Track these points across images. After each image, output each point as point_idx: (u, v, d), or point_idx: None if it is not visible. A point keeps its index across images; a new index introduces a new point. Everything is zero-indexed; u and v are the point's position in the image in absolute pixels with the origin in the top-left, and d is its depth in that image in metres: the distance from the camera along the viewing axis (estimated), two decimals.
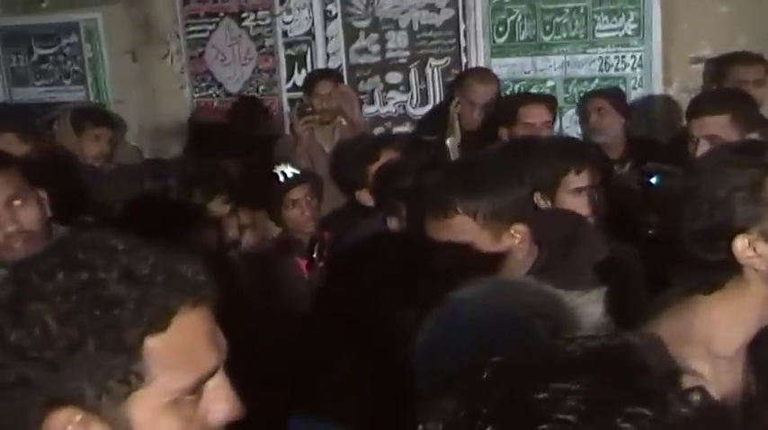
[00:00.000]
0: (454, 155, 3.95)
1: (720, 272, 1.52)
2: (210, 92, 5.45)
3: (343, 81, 4.61)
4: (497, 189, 1.89)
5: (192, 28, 5.41)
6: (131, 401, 0.89)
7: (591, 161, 2.63)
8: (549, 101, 4.00)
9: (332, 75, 4.49)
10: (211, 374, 0.93)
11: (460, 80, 4.42)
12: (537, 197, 2.54)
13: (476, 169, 2.00)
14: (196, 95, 5.48)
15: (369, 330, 1.94)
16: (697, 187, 1.51)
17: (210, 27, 5.37)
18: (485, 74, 4.39)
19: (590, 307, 1.80)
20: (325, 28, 5.07)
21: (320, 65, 5.05)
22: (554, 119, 4.01)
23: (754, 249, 1.46)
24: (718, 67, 4.05)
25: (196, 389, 0.92)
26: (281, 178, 3.10)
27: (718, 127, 2.71)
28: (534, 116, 3.73)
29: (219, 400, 0.94)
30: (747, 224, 1.45)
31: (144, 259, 0.89)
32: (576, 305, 1.35)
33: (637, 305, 1.87)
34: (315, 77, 4.42)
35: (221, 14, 5.32)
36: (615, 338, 0.73)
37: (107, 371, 0.87)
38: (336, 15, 5.02)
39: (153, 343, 0.88)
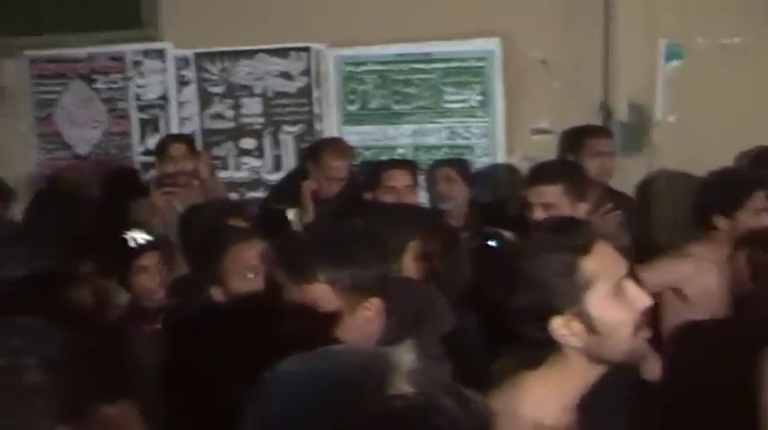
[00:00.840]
0: (297, 226, 3.99)
1: (543, 348, 1.63)
2: (58, 154, 5.30)
3: (194, 145, 4.60)
4: (361, 261, 1.87)
5: (40, 88, 5.28)
6: None
7: (437, 228, 2.75)
8: (410, 165, 4.13)
9: (184, 138, 4.50)
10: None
11: (314, 154, 4.44)
12: None
13: (340, 238, 1.98)
14: (42, 157, 5.32)
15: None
16: (519, 268, 1.63)
17: (59, 88, 5.25)
18: (339, 148, 4.44)
19: None
20: (179, 92, 5.07)
21: (174, 129, 5.03)
22: (416, 184, 4.14)
23: (570, 328, 1.58)
24: (569, 138, 4.32)
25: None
26: (132, 244, 3.06)
27: (552, 196, 2.92)
28: (396, 180, 3.85)
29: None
30: (563, 305, 1.57)
31: None
32: None
33: (480, 374, 1.94)
34: (167, 141, 4.42)
35: (71, 75, 5.22)
36: (422, 398, 0.78)
37: None
38: (191, 80, 5.04)
39: None
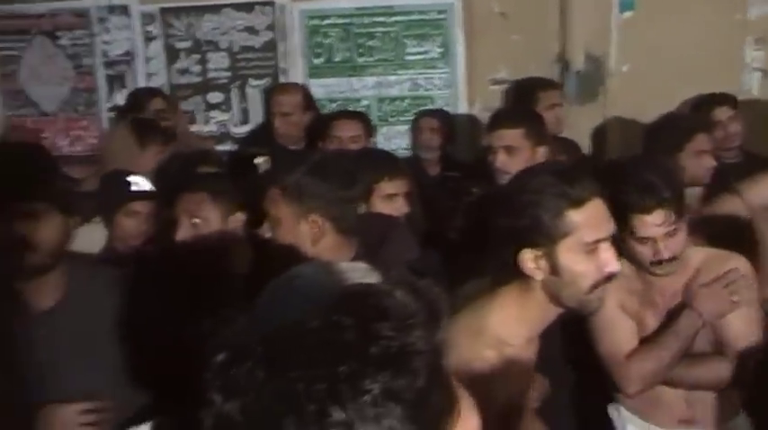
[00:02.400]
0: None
1: (508, 272, 1.80)
2: (24, 111, 5.33)
3: (171, 100, 4.66)
4: (315, 173, 2.14)
5: (3, 44, 5.28)
6: None
7: (400, 170, 2.91)
8: (360, 117, 4.21)
9: (160, 92, 4.58)
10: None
11: (267, 97, 4.68)
12: None
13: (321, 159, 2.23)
14: (9, 114, 5.35)
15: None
16: (517, 196, 1.78)
17: (22, 45, 5.26)
18: (284, 86, 4.67)
19: None
20: (146, 48, 5.12)
21: (141, 84, 5.08)
22: (369, 135, 4.27)
23: (537, 263, 1.75)
24: (522, 90, 4.47)
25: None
26: (133, 187, 3.10)
27: (514, 139, 3.07)
28: (342, 130, 3.93)
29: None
30: (539, 241, 1.73)
31: None
32: None
33: None
34: (145, 94, 4.47)
35: (34, 32, 5.23)
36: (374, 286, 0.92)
37: None
38: (157, 36, 5.09)
39: None
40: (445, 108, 4.83)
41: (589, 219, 1.72)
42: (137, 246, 3.13)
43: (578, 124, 4.57)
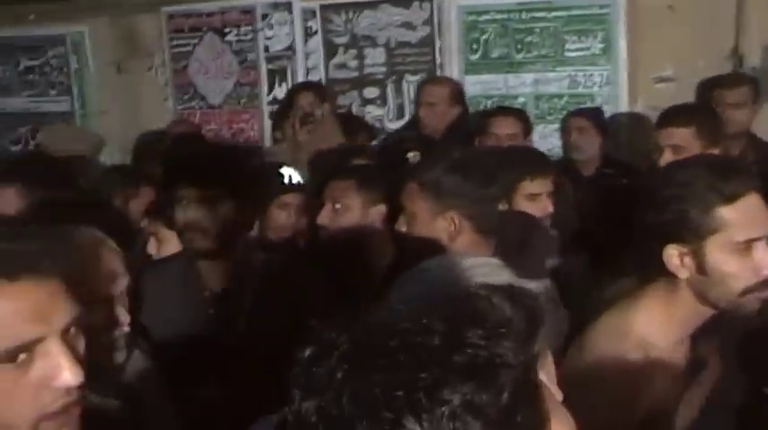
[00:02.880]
0: None
1: (653, 269, 1.68)
2: (193, 104, 5.59)
3: (323, 92, 4.70)
4: (455, 170, 2.07)
5: (176, 41, 5.56)
6: None
7: (545, 169, 2.80)
8: (517, 114, 4.12)
9: (312, 86, 4.67)
10: (31, 344, 0.99)
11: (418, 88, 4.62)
12: None
13: (462, 156, 2.20)
14: (179, 107, 5.63)
15: None
16: (664, 189, 1.66)
17: (194, 41, 5.52)
18: (434, 78, 4.67)
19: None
20: (305, 43, 5.23)
21: (300, 79, 5.21)
22: (527, 132, 4.15)
23: (683, 260, 1.62)
24: (705, 90, 4.18)
25: (12, 358, 0.99)
26: (285, 179, 3.14)
27: (683, 138, 2.89)
28: (499, 127, 3.86)
29: (52, 367, 1.00)
30: (685, 237, 1.61)
31: None
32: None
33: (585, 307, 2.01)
34: (295, 89, 4.59)
35: (204, 29, 5.48)
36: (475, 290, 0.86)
37: None
38: (317, 32, 5.19)
39: None
40: (605, 107, 4.63)
41: (742, 217, 1.59)
42: (287, 238, 3.19)
43: (754, 125, 4.25)
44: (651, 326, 1.67)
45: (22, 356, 0.99)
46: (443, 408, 0.74)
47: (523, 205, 2.65)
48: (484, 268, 1.21)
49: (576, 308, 2.02)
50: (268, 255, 2.35)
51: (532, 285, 1.40)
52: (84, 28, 5.71)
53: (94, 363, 1.10)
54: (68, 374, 1.00)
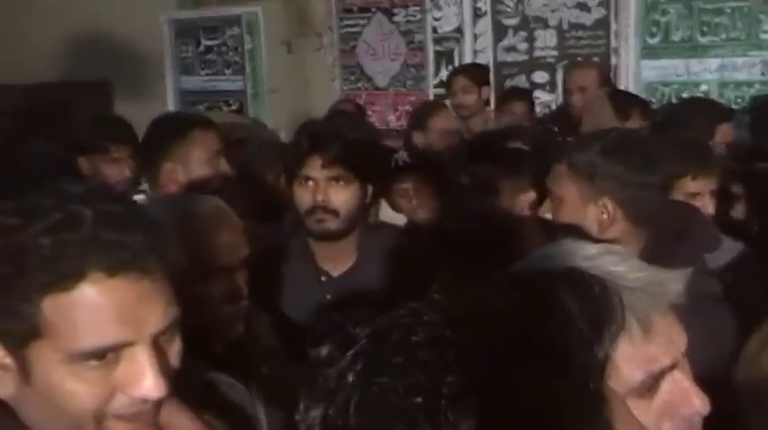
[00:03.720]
0: None
1: None
2: (359, 85, 5.57)
3: (481, 76, 4.51)
4: (611, 152, 1.90)
5: (345, 22, 5.56)
6: (31, 349, 0.92)
7: (709, 168, 2.50)
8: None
9: (468, 70, 4.48)
10: (118, 347, 0.93)
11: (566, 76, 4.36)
12: None
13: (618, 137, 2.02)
14: (345, 88, 5.62)
15: None
16: None
17: (363, 22, 5.49)
18: (581, 62, 4.50)
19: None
20: (474, 25, 5.06)
21: (468, 61, 5.05)
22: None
23: None
24: None
25: (99, 356, 0.93)
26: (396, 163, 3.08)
27: None
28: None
29: (135, 375, 0.94)
30: None
31: (81, 216, 0.90)
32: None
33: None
34: (453, 73, 4.46)
35: (373, 9, 5.43)
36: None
37: (7, 315, 0.91)
38: (486, 12, 5.01)
39: (51, 301, 0.90)
40: None
41: None
42: (435, 221, 3.09)
43: None
44: None
45: (110, 355, 0.93)
46: (470, 421, 0.61)
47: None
48: (611, 256, 1.02)
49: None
50: (392, 239, 2.24)
51: (668, 275, 1.17)
52: (258, 8, 5.81)
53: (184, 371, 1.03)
54: (150, 385, 0.94)
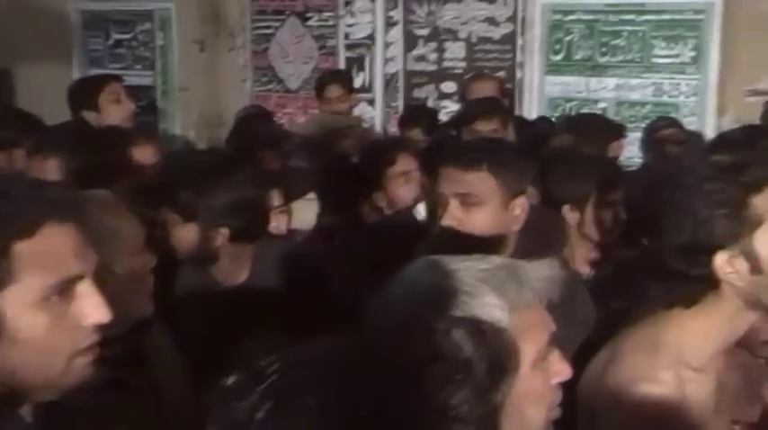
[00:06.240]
0: None
1: (700, 286, 1.54)
2: (271, 87, 5.58)
3: (350, 84, 4.51)
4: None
5: (258, 24, 5.56)
6: (3, 297, 1.05)
7: (619, 178, 2.68)
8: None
9: (340, 78, 4.45)
10: (75, 279, 1.09)
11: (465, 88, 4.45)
12: (566, 209, 2.63)
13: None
14: (257, 89, 5.63)
15: None
16: (680, 202, 1.54)
17: (276, 24, 5.51)
18: (481, 74, 4.54)
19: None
20: (386, 33, 5.15)
21: (378, 69, 5.14)
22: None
23: (733, 265, 1.48)
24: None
25: (60, 291, 1.08)
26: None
27: None
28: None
29: (87, 305, 1.09)
30: (728, 241, 1.47)
31: (21, 183, 1.11)
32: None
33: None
34: (324, 80, 4.40)
35: (287, 12, 5.46)
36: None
37: None
38: (398, 22, 5.11)
39: (20, 247, 1.05)
40: (691, 118, 4.40)
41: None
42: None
43: None
44: (688, 346, 1.54)
45: (68, 290, 1.09)
46: None
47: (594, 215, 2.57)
48: (470, 272, 1.12)
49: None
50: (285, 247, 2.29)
51: (540, 268, 1.27)
52: (171, 5, 5.76)
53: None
54: (100, 311, 1.09)
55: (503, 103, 4.02)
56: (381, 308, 1.16)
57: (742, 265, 1.47)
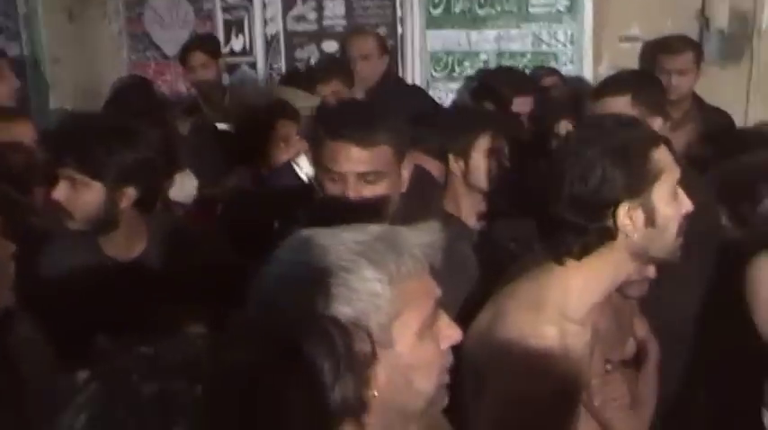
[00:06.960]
0: None
1: (593, 238, 1.57)
2: (148, 54, 5.40)
3: (216, 50, 4.44)
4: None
5: None
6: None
7: (501, 127, 2.72)
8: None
9: (203, 45, 4.35)
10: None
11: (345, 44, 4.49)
12: (451, 159, 2.66)
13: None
14: (133, 57, 5.43)
15: None
16: (580, 154, 1.55)
17: None
18: (360, 30, 4.61)
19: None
20: None
21: (258, 30, 5.03)
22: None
23: (631, 218, 1.53)
24: (648, 52, 4.10)
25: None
26: None
27: (618, 107, 2.74)
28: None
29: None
30: (629, 194, 1.52)
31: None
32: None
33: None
34: (187, 48, 4.31)
35: None
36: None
37: None
38: None
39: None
40: (569, 66, 4.48)
41: (668, 159, 1.58)
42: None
43: (719, 89, 4.13)
44: (571, 300, 1.59)
45: None
46: None
47: (482, 162, 2.68)
48: (350, 245, 1.12)
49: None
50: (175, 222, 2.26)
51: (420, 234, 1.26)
52: None
53: None
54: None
55: (344, 63, 4.05)
56: (258, 290, 1.13)
57: (639, 218, 1.54)
